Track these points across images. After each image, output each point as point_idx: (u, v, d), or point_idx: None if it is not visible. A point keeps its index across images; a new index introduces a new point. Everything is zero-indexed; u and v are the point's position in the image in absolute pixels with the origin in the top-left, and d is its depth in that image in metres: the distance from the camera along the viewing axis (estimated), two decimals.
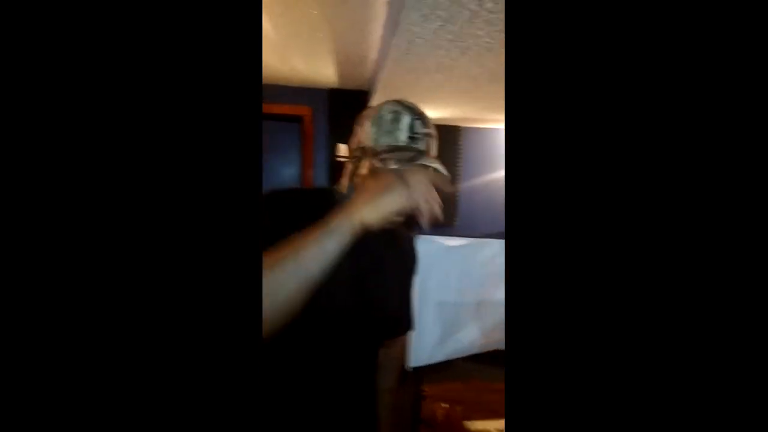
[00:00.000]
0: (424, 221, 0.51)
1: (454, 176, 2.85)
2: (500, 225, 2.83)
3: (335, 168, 2.51)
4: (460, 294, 1.23)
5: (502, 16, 1.14)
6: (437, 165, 0.61)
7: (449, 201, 2.83)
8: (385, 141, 0.61)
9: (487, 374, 1.48)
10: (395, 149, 0.60)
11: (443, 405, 1.16)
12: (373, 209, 0.50)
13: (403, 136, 0.61)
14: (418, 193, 0.50)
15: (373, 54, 1.90)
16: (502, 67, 1.55)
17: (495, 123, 2.76)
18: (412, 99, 0.67)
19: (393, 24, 1.30)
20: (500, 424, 1.13)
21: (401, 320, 0.78)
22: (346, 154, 0.70)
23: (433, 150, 0.65)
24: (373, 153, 0.61)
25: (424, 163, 0.60)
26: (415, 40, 1.30)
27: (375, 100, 2.10)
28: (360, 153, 0.64)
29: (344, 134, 1.42)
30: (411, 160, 0.60)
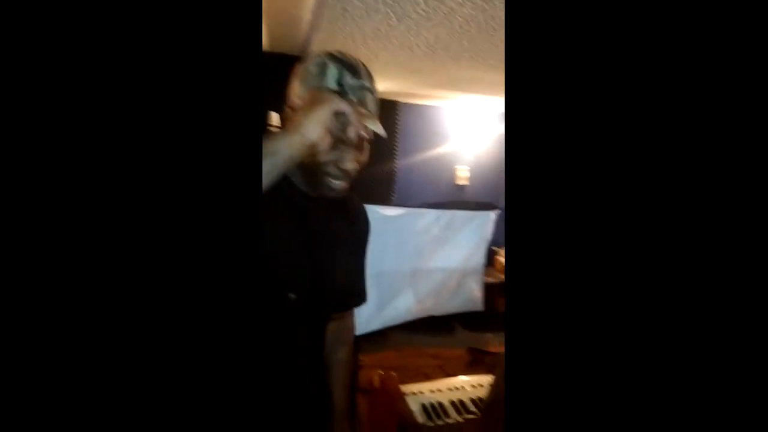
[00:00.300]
0: (352, 132, 0.53)
1: (391, 152, 2.85)
2: (435, 201, 2.92)
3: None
4: (396, 263, 1.24)
5: None
6: (372, 122, 0.56)
7: (387, 177, 2.83)
8: None
9: (418, 341, 1.54)
10: None
11: (379, 371, 1.18)
12: (309, 121, 0.48)
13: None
14: (346, 104, 0.51)
15: (306, 15, 1.78)
16: (439, 40, 1.55)
17: (431, 99, 2.79)
18: None
19: None
20: (433, 385, 1.19)
21: (355, 292, 0.76)
22: (279, 124, 0.65)
23: (371, 105, 0.59)
24: None
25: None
26: (351, 1, 1.24)
27: None
28: (291, 115, 0.58)
29: (277, 101, 1.33)
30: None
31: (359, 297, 0.77)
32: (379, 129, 0.57)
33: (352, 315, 0.82)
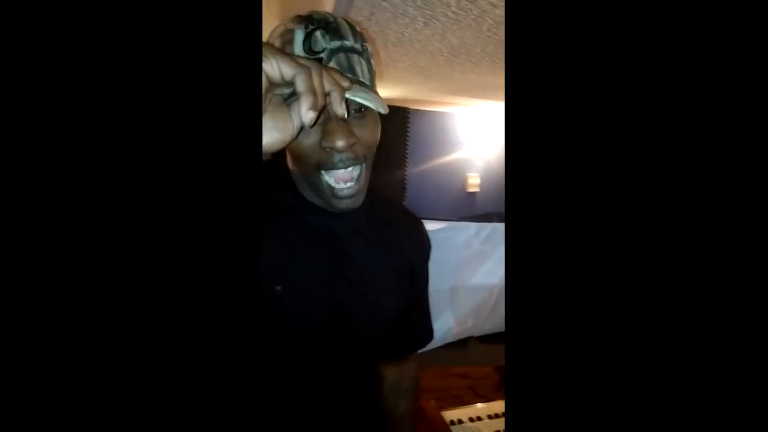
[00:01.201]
0: (306, 105, 0.31)
1: (401, 159, 2.79)
2: (447, 209, 2.86)
3: None
4: (435, 281, 1.17)
5: None
6: (358, 91, 0.38)
7: (398, 185, 2.77)
8: None
9: (436, 357, 1.45)
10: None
11: None
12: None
13: None
14: (294, 66, 0.31)
15: None
16: (463, 44, 1.49)
17: (443, 106, 2.74)
18: None
19: None
20: (471, 411, 1.11)
21: (411, 329, 0.60)
22: None
23: (361, 70, 0.42)
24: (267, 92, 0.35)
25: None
26: (380, 3, 1.18)
27: None
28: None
29: None
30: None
31: (420, 336, 0.62)
32: (373, 101, 0.38)
33: (414, 359, 0.67)
